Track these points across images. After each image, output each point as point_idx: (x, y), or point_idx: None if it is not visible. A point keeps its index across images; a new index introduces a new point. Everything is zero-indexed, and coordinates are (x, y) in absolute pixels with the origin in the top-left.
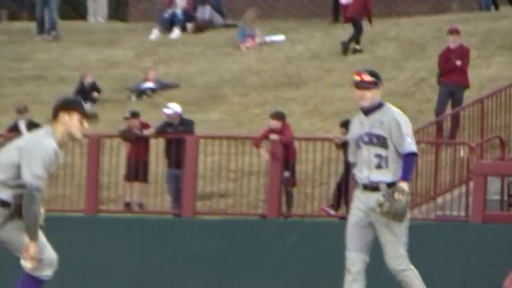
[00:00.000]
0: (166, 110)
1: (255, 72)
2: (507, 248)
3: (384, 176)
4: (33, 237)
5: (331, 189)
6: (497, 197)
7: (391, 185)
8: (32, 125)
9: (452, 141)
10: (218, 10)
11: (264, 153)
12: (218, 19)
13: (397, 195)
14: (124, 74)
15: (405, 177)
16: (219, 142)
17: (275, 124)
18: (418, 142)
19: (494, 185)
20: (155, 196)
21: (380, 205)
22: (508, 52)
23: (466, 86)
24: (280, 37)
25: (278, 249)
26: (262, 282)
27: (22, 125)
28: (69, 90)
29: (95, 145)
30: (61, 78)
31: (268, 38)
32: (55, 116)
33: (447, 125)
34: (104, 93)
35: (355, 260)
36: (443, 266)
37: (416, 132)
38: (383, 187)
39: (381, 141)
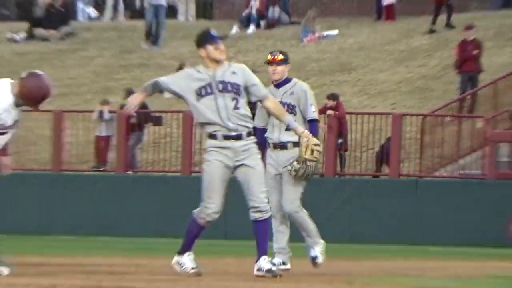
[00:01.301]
0: None
1: (315, 60)
2: None
3: (291, 137)
4: None
5: (376, 155)
6: (507, 159)
7: (296, 144)
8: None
9: (471, 115)
10: (285, 10)
11: (322, 125)
12: (285, 18)
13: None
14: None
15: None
16: None
17: (330, 103)
18: (444, 116)
19: (504, 150)
20: None
21: (296, 170)
22: None
23: (480, 70)
24: (335, 32)
25: (333, 200)
26: (319, 227)
27: None
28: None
29: (189, 119)
30: (161, 66)
31: (325, 33)
32: None
33: (467, 102)
34: None
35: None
36: (464, 213)
37: (443, 108)
38: (290, 145)
39: (291, 108)
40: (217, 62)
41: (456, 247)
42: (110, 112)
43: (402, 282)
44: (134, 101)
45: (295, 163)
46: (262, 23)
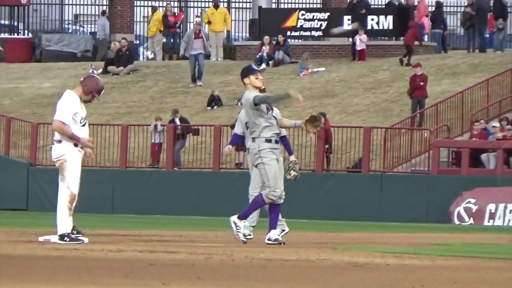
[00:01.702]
0: None
1: (308, 89)
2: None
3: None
4: None
5: (352, 156)
6: (445, 160)
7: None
8: (182, 120)
9: (420, 128)
10: (287, 54)
11: (314, 135)
12: (287, 58)
13: (297, 166)
14: (235, 90)
15: (289, 150)
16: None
17: None
18: (400, 128)
19: (444, 153)
20: None
21: (294, 178)
22: (451, 77)
23: (426, 96)
24: (322, 69)
25: (322, 188)
26: (310, 209)
27: (177, 121)
28: (203, 100)
29: (218, 130)
30: (198, 93)
31: (315, 69)
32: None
33: (417, 118)
34: (224, 101)
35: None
36: (415, 199)
37: (400, 122)
38: (291, 164)
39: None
40: (258, 88)
41: (409, 223)
42: (162, 125)
43: (372, 248)
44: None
45: (293, 171)
46: (271, 62)
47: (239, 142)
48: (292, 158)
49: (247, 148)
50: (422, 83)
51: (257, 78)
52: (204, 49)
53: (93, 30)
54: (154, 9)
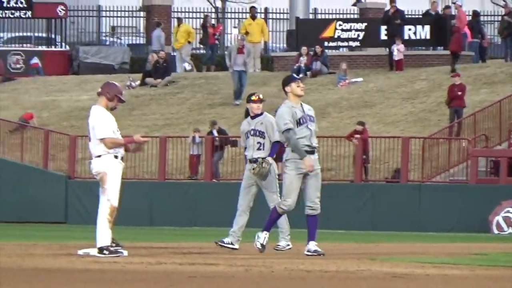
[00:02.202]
0: None
1: (346, 99)
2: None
3: (260, 154)
4: None
5: (391, 166)
6: (484, 169)
7: (264, 159)
8: (220, 131)
9: (458, 137)
10: (325, 64)
11: (355, 143)
12: (324, 69)
13: (264, 164)
14: (273, 101)
15: (271, 154)
16: (326, 140)
17: (359, 127)
18: (438, 138)
19: (482, 162)
20: None
21: (253, 168)
22: (489, 86)
23: (464, 106)
24: (360, 79)
25: (360, 199)
26: (348, 219)
27: (215, 132)
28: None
29: None
30: (235, 103)
31: (353, 80)
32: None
33: (455, 128)
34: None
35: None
36: (453, 210)
37: (438, 132)
38: (259, 159)
39: (260, 134)
40: (299, 96)
41: (447, 233)
42: (200, 137)
43: (411, 258)
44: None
45: (254, 165)
46: (308, 73)
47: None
48: (268, 159)
49: (253, 158)
50: (460, 93)
51: (298, 86)
52: (244, 65)
53: (130, 42)
54: (180, 21)
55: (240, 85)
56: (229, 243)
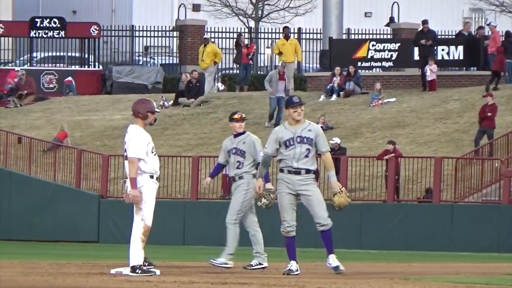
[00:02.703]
0: (333, 140)
1: (379, 119)
2: None
3: (237, 172)
4: None
5: (423, 186)
6: None
7: (241, 177)
8: None
9: (491, 157)
10: (358, 84)
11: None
12: (357, 89)
13: (271, 195)
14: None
15: (266, 179)
16: (359, 160)
17: (390, 146)
18: (471, 158)
19: None
20: None
21: (266, 206)
22: None
23: (493, 127)
24: (393, 99)
25: (391, 220)
26: (381, 239)
27: None
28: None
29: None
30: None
31: (386, 100)
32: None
33: (487, 148)
34: None
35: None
36: (485, 230)
37: (471, 152)
38: (237, 178)
39: (242, 153)
40: (297, 121)
41: (480, 253)
42: None
43: (444, 278)
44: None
45: (263, 199)
46: (341, 93)
47: (220, 172)
48: (268, 186)
49: (231, 177)
50: (490, 114)
51: (295, 111)
52: (285, 91)
53: (163, 62)
54: (206, 41)
55: (278, 110)
56: (256, 264)
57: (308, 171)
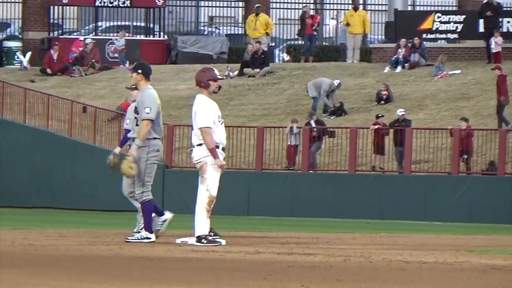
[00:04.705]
0: (398, 112)
1: (444, 91)
2: None
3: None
4: None
5: (488, 158)
6: None
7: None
8: (318, 122)
9: None
10: (423, 56)
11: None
12: (422, 61)
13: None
14: (370, 92)
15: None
16: (424, 132)
17: (462, 124)
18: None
19: None
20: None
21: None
22: None
23: None
24: (458, 71)
25: (455, 192)
26: (445, 211)
27: (313, 123)
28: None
29: (354, 132)
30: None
31: (451, 72)
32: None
33: None
34: (357, 102)
35: None
36: None
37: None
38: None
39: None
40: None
41: None
42: (298, 127)
43: (510, 251)
44: None
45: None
46: (406, 65)
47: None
48: (116, 150)
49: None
50: None
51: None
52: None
53: (228, 32)
54: (258, 9)
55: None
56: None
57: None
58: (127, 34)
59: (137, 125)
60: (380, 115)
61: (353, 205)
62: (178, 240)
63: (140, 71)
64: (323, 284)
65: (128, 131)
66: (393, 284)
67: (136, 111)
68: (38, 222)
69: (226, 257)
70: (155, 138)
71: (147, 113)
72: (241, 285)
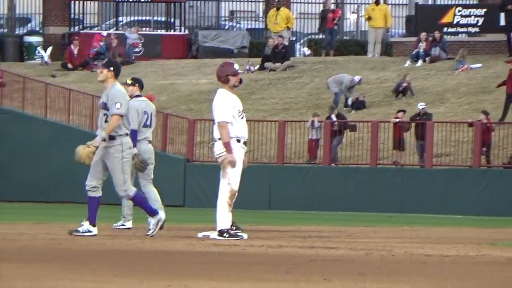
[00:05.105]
0: (419, 106)
1: (465, 85)
2: None
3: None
4: None
5: (509, 152)
6: None
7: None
8: (339, 116)
9: None
10: (444, 50)
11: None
12: (443, 55)
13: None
14: (391, 86)
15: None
16: (444, 125)
17: (482, 117)
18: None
19: None
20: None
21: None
22: None
23: None
24: (479, 65)
25: (477, 185)
26: (467, 204)
27: (334, 117)
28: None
29: (375, 126)
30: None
31: (472, 66)
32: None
33: None
34: (378, 96)
35: None
36: None
37: None
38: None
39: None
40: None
41: None
42: (319, 121)
43: None
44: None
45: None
46: (427, 58)
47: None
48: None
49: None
50: None
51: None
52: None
53: (249, 27)
54: (279, 3)
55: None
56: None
57: (111, 137)
58: (146, 29)
59: (106, 121)
60: (401, 110)
61: (374, 199)
62: (200, 234)
63: (111, 68)
64: (345, 278)
65: (135, 131)
66: (415, 277)
67: (105, 107)
68: (59, 216)
69: (248, 251)
70: (126, 134)
71: (118, 108)
72: (263, 279)
